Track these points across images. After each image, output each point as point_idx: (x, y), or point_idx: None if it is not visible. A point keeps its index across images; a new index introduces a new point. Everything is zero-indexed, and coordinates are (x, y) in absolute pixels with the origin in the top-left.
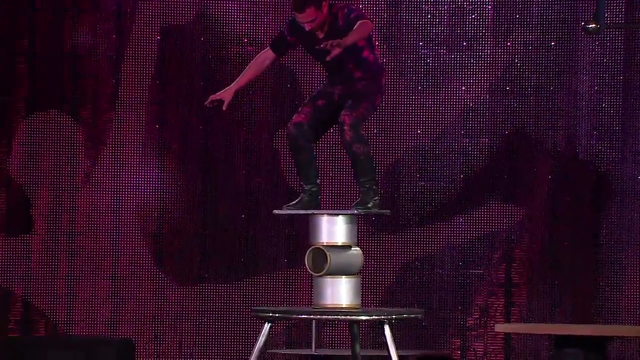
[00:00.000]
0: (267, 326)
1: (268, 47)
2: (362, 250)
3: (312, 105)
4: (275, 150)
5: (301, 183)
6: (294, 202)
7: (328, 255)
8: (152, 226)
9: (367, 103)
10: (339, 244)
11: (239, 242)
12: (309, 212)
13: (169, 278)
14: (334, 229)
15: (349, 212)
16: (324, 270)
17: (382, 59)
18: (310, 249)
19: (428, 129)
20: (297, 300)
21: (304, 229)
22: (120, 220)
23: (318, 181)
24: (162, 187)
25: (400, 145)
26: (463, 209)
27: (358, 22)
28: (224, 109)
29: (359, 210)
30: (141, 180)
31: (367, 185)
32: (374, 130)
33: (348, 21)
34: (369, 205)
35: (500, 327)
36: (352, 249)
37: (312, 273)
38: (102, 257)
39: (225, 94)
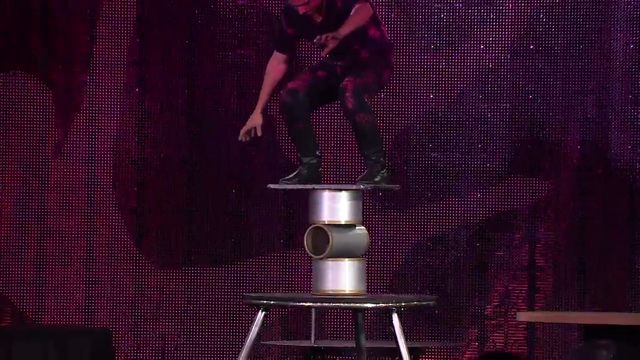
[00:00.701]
0: (260, 315)
1: (274, 51)
2: (368, 230)
3: (311, 74)
4: (270, 116)
5: (299, 155)
6: (291, 175)
7: (330, 236)
8: (131, 202)
9: (373, 74)
10: (342, 223)
11: (229, 220)
12: (308, 186)
13: (150, 260)
14: (336, 206)
15: (353, 187)
16: (326, 253)
17: (390, 18)
18: (309, 228)
19: (442, 93)
20: (295, 286)
21: (303, 206)
22: (95, 196)
23: (318, 153)
24: (143, 159)
25: (411, 111)
26: (481, 184)
27: (355, 7)
28: (259, 134)
29: (365, 185)
30: (119, 151)
31: (373, 158)
32: (381, 95)
33: (346, 2)
34: (376, 180)
35: (523, 316)
36: (357, 228)
37: (312, 256)
38: (75, 237)
39: (255, 120)
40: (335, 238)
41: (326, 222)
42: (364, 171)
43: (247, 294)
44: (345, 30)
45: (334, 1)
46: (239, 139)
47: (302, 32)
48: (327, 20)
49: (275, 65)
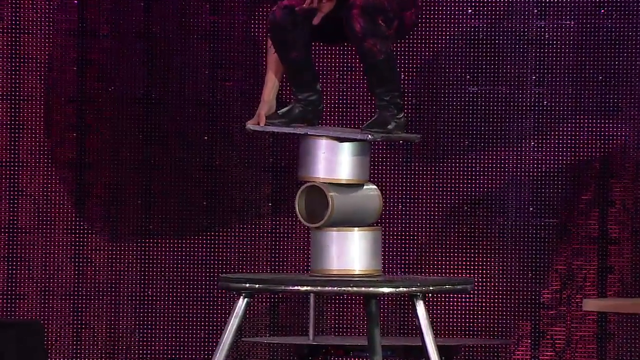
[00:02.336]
0: (241, 303)
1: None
2: (383, 192)
3: None
4: (254, 39)
5: (293, 91)
6: (280, 111)
7: (329, 197)
8: (69, 153)
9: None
10: (343, 181)
11: (199, 176)
12: (299, 131)
13: (94, 231)
14: (335, 159)
15: (357, 135)
16: (324, 220)
17: None
18: (302, 188)
19: (485, 6)
20: (287, 264)
21: (297, 153)
22: (20, 145)
23: (318, 87)
24: (85, 95)
25: (442, 31)
26: (535, 127)
27: None
28: (262, 124)
29: (374, 133)
30: (52, 85)
31: (386, 99)
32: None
33: None
34: (390, 127)
35: (592, 304)
36: (366, 187)
37: (306, 224)
38: None
39: (259, 119)
40: (337, 200)
41: (322, 180)
42: (373, 115)
43: (224, 275)
44: None
45: None
46: (247, 127)
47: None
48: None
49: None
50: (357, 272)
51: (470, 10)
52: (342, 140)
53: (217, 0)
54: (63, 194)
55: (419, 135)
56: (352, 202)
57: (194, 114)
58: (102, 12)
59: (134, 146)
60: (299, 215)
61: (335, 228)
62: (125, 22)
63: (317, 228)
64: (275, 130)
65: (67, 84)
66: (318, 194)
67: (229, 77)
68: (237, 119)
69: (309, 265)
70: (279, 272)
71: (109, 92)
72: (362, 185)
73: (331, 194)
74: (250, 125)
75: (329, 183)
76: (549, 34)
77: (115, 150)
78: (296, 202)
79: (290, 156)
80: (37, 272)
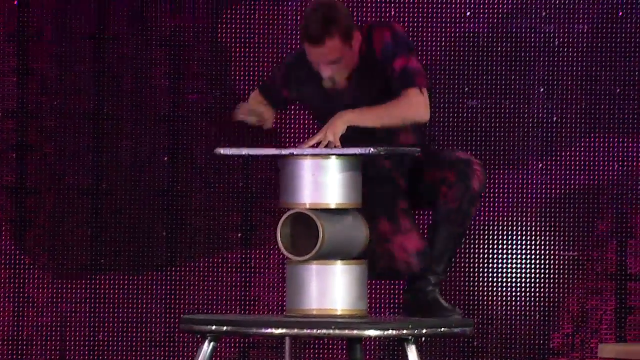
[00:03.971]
0: (207, 347)
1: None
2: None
3: None
4: (221, 45)
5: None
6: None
7: (319, 227)
8: (7, 176)
9: None
10: (332, 206)
11: (159, 203)
12: (284, 152)
13: (37, 266)
14: (323, 181)
15: (349, 150)
16: (312, 252)
17: None
18: (285, 215)
19: (485, 7)
20: (260, 303)
21: (271, 176)
22: None
23: None
24: (25, 110)
25: (436, 36)
26: (544, 148)
27: (406, 91)
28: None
29: (371, 148)
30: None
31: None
32: (391, 12)
33: (386, 49)
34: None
35: (609, 350)
36: (351, 214)
37: (291, 257)
38: None
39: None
40: (327, 230)
41: (308, 206)
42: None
43: (187, 316)
44: (366, 120)
45: (370, 48)
46: (239, 117)
47: (304, 97)
48: (357, 78)
49: (255, 106)
50: (339, 312)
51: (468, 13)
52: (339, 155)
53: (179, 0)
54: (0, 223)
55: (418, 149)
56: (341, 233)
57: (152, 131)
58: (45, 13)
59: (82, 168)
60: (281, 248)
61: (314, 261)
62: (74, 24)
63: (304, 261)
64: (252, 154)
65: (6, 95)
66: (302, 222)
67: (193, 89)
68: (201, 137)
69: (284, 305)
70: (249, 312)
71: (53, 106)
72: (349, 211)
73: (321, 223)
74: (221, 150)
75: (317, 209)
76: (558, 40)
77: (60, 172)
78: (278, 232)
79: (262, 180)
80: None
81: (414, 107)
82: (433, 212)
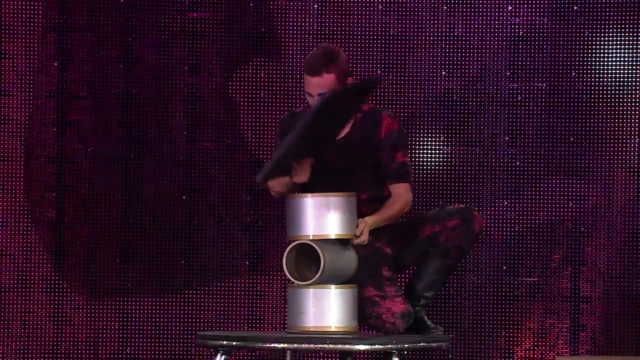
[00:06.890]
0: (219, 359)
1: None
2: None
3: None
4: (232, 99)
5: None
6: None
7: (322, 256)
8: (48, 212)
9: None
10: (332, 237)
11: (178, 235)
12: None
13: (73, 289)
14: (326, 215)
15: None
16: (315, 278)
17: None
18: (290, 246)
19: (458, 68)
20: (265, 321)
21: (274, 212)
22: (0, 205)
23: None
24: (64, 155)
25: (415, 93)
26: (507, 187)
27: (397, 188)
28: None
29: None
30: (32, 145)
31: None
32: (377, 71)
33: (391, 137)
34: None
35: None
36: (344, 245)
37: (297, 282)
38: None
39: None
40: (328, 259)
41: (311, 237)
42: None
43: (201, 333)
44: (382, 222)
45: (377, 119)
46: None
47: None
48: (357, 130)
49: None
50: (333, 329)
51: (444, 72)
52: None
53: (196, 62)
54: (42, 253)
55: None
56: (338, 261)
57: (172, 174)
58: (82, 74)
59: (112, 205)
60: (287, 274)
61: (312, 286)
62: (104, 82)
63: (307, 286)
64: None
65: (47, 143)
66: (305, 252)
67: (207, 138)
68: (214, 178)
69: (286, 323)
70: (256, 329)
71: (87, 152)
72: (344, 241)
73: (323, 253)
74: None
75: (319, 240)
76: (521, 96)
77: (93, 209)
78: (284, 261)
79: (268, 215)
80: (16, 330)
81: (408, 203)
82: (427, 252)
